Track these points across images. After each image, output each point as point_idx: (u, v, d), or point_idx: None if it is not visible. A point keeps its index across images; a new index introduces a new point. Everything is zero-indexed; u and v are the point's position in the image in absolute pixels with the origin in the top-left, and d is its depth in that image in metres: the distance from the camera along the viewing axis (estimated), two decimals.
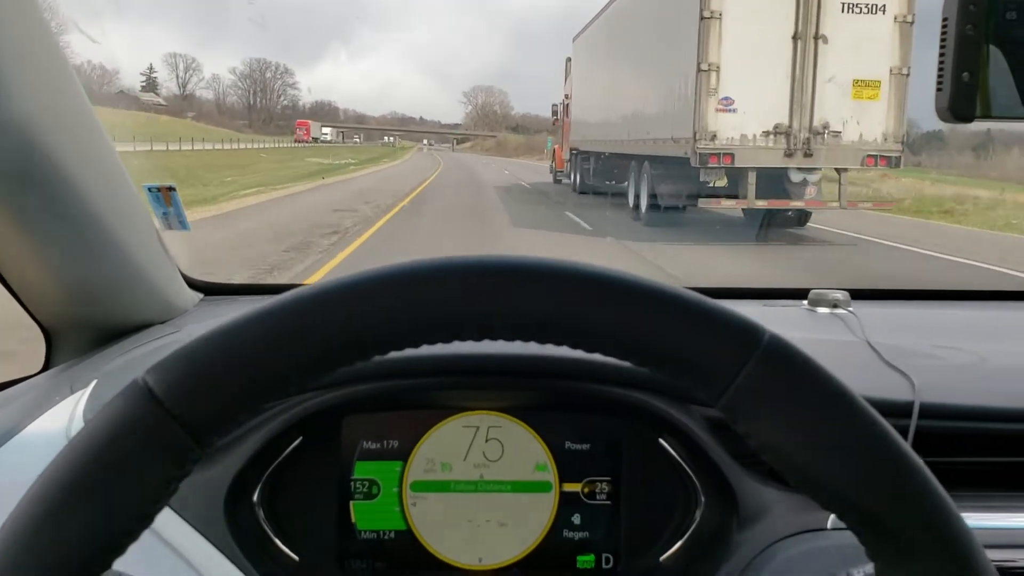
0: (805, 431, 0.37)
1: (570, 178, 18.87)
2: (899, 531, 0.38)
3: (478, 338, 0.39)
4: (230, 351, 0.36)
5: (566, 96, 19.34)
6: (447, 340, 0.39)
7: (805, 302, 1.20)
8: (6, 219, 0.81)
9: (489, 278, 0.38)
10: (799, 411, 0.37)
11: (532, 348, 0.40)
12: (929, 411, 0.79)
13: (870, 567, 0.41)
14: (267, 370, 0.37)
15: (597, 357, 0.40)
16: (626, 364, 0.40)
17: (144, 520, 0.38)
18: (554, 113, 21.74)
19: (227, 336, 0.37)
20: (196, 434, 0.37)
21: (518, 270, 0.38)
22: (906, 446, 0.38)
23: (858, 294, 1.22)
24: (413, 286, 0.38)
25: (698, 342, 0.38)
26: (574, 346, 0.39)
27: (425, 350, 0.40)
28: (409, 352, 0.39)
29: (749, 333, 0.38)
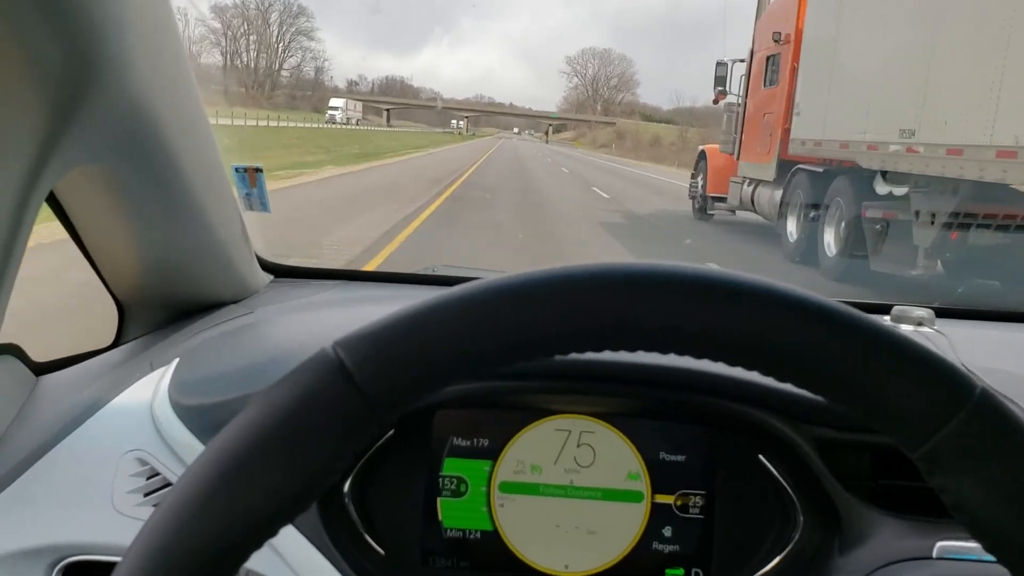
0: (1010, 492, 0.35)
1: (758, 217, 9.12)
2: None
3: (664, 351, 0.37)
4: (419, 332, 0.36)
5: (778, 36, 8.62)
6: (631, 348, 0.37)
7: (887, 318, 1.16)
8: (104, 189, 0.80)
9: (699, 291, 0.36)
10: (1005, 471, 0.35)
11: (629, 355, 0.38)
12: None
13: None
14: (451, 355, 0.36)
15: (695, 364, 0.38)
16: (725, 371, 0.38)
17: (314, 492, 0.36)
18: (718, 82, 10.33)
19: (417, 317, 0.36)
20: (377, 410, 0.36)
21: (724, 286, 0.36)
22: None
23: (943, 312, 1.18)
24: (602, 290, 0.36)
25: (906, 387, 0.35)
26: (767, 374, 0.37)
27: None
28: None
29: (961, 384, 0.36)
